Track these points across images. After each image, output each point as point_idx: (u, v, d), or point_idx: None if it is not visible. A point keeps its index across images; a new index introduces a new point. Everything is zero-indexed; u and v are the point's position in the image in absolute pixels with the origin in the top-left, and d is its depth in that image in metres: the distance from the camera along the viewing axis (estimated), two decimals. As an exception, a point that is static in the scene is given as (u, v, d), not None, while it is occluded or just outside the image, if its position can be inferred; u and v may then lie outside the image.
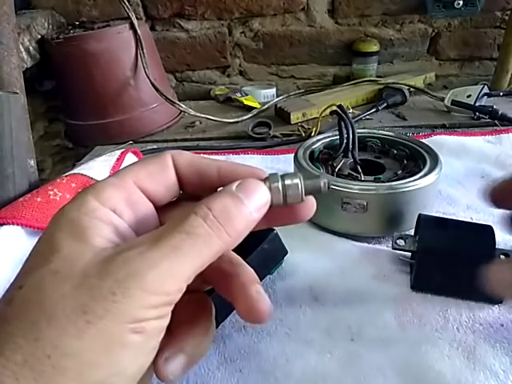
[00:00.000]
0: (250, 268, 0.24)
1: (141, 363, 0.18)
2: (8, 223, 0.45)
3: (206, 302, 0.24)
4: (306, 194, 0.23)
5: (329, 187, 0.23)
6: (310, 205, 0.23)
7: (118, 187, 0.21)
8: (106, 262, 0.18)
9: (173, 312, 0.19)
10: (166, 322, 0.19)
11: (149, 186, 0.22)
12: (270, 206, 0.22)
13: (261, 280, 0.36)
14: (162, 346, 0.21)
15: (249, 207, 0.20)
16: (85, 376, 0.16)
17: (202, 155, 0.24)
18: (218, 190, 0.22)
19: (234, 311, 0.37)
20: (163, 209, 0.23)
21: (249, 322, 0.22)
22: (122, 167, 0.61)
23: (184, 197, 0.24)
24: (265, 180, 0.22)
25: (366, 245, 0.46)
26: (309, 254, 0.44)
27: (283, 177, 0.22)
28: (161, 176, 0.22)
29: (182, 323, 0.22)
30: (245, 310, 0.22)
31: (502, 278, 0.24)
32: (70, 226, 0.19)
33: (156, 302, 0.18)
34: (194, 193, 0.24)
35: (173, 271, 0.18)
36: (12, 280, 0.19)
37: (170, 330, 0.21)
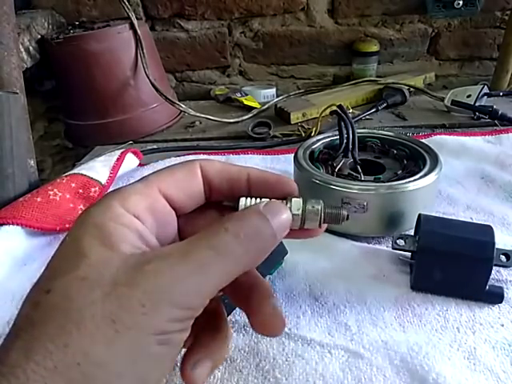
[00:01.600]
0: (265, 281, 0.24)
1: (162, 373, 0.19)
2: (8, 223, 0.45)
3: (220, 309, 0.25)
4: (323, 222, 0.23)
5: (347, 219, 0.24)
6: (321, 228, 0.24)
7: (142, 194, 0.21)
8: (134, 270, 0.18)
9: (195, 320, 0.19)
10: (187, 334, 0.19)
11: (174, 193, 0.22)
12: None
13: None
14: (187, 353, 0.21)
15: (274, 228, 0.20)
16: None
17: (227, 162, 0.24)
18: (240, 203, 0.22)
19: (234, 311, 0.37)
20: (187, 216, 0.23)
21: (261, 334, 0.22)
22: (121, 167, 0.61)
23: (208, 205, 0.24)
24: (286, 201, 0.22)
25: (365, 245, 0.46)
26: (309, 254, 0.44)
27: (305, 202, 0.22)
28: (187, 184, 0.22)
29: (203, 330, 0.23)
30: (259, 324, 0.22)
31: None
32: (96, 231, 0.19)
33: (181, 316, 0.18)
34: (221, 199, 0.24)
35: (199, 287, 0.18)
36: (34, 281, 0.19)
37: (194, 337, 0.21)
